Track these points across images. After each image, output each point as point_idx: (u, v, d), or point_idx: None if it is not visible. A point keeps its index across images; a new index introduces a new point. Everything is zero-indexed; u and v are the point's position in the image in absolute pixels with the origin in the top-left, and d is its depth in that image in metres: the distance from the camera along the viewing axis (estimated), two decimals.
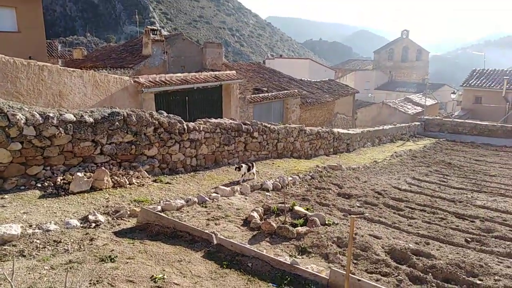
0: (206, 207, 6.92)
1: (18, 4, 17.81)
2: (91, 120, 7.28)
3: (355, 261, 5.34)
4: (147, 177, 7.87)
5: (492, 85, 32.38)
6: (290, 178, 9.52)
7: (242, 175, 8.68)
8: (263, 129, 11.30)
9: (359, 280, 4.31)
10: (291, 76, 27.44)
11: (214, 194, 7.49)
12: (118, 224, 5.68)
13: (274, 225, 6.06)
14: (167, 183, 7.92)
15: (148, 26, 26.35)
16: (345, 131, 16.57)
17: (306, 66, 44.54)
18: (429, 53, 65.59)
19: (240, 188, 8.14)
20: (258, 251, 5.04)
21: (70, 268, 4.13)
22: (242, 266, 4.74)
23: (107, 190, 6.87)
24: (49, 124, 6.62)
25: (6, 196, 5.93)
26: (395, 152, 16.18)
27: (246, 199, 7.78)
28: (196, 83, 14.49)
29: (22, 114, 6.36)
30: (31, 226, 5.11)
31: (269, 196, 8.19)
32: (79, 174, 6.68)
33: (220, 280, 4.40)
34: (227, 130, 10.13)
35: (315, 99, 24.00)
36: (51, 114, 6.72)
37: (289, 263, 4.74)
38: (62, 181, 6.62)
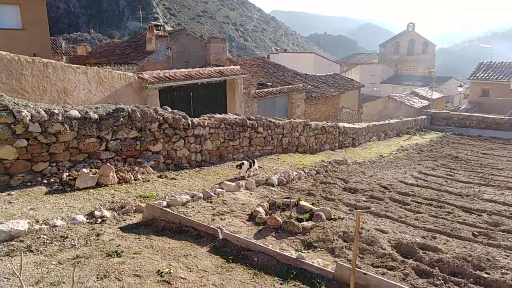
0: (211, 202, 6.93)
1: (22, 1, 17.83)
2: (96, 116, 7.30)
3: (361, 255, 5.33)
4: (152, 172, 7.89)
5: (499, 77, 32.06)
6: (295, 173, 9.50)
7: (246, 171, 8.60)
8: (268, 124, 11.27)
9: (365, 274, 4.30)
10: (295, 70, 27.32)
11: (219, 189, 7.50)
12: (124, 220, 5.71)
13: (280, 220, 6.05)
14: (172, 178, 7.93)
15: (152, 22, 26.35)
16: (350, 125, 16.49)
17: (311, 60, 44.31)
18: (436, 46, 64.97)
19: (245, 183, 8.14)
20: (264, 245, 5.04)
21: (77, 263, 4.16)
22: (248, 261, 4.74)
23: (113, 186, 6.90)
24: (54, 120, 6.64)
25: (13, 193, 5.98)
26: (401, 146, 16.09)
27: (251, 194, 7.78)
28: (200, 79, 14.46)
29: (27, 111, 6.39)
30: (38, 222, 5.15)
31: (275, 191, 8.18)
32: (84, 170, 6.71)
33: (226, 274, 4.41)
34: (232, 125, 10.11)
35: (320, 94, 23.89)
36: (56, 111, 6.74)
37: (295, 257, 4.73)
38: (68, 177, 6.66)
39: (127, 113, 7.79)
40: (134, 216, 5.88)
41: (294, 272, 4.52)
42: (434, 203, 8.29)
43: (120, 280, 3.89)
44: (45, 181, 6.49)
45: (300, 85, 22.37)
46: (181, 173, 8.43)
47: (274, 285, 4.29)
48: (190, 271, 4.35)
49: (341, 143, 15.25)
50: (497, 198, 8.92)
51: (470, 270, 5.07)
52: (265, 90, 19.90)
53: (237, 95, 16.69)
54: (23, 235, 4.76)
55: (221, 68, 16.50)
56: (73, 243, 4.73)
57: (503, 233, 6.63)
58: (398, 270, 4.95)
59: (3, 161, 6.19)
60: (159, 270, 4.19)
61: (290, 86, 21.67)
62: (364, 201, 8.13)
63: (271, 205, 7.01)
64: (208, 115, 9.96)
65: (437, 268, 5.06)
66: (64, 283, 3.73)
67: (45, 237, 4.80)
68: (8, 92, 7.96)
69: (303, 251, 5.38)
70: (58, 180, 6.55)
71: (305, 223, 6.08)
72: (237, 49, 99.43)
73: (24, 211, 5.39)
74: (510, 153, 15.78)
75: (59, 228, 5.07)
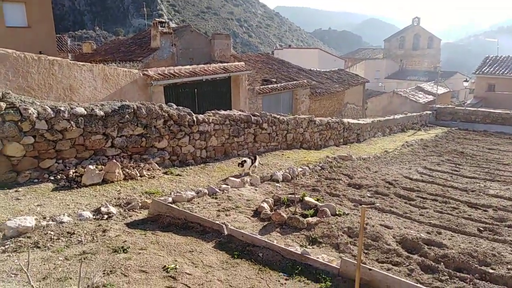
0: (216, 198, 6.96)
1: None
2: (102, 113, 7.34)
3: (366, 251, 5.33)
4: (158, 169, 7.93)
5: (505, 72, 31.75)
6: (300, 169, 9.51)
7: (249, 168, 8.53)
8: (272, 120, 11.27)
9: (370, 269, 4.31)
10: (300, 66, 27.25)
11: (224, 186, 7.53)
12: (130, 216, 5.76)
13: (285, 215, 6.07)
14: (178, 175, 7.97)
15: (156, 19, 26.35)
16: (355, 121, 16.44)
17: (315, 56, 44.18)
18: (441, 41, 64.50)
19: (250, 179, 8.16)
20: (269, 241, 5.06)
21: (84, 259, 4.20)
22: (253, 256, 4.77)
23: (119, 182, 6.95)
24: (60, 118, 6.69)
25: (20, 189, 6.04)
26: (406, 142, 16.02)
27: (256, 190, 7.80)
28: (204, 75, 14.48)
29: (34, 109, 6.44)
30: (45, 218, 5.20)
31: (279, 187, 8.20)
32: (90, 167, 6.76)
33: (231, 270, 4.44)
34: (236, 121, 10.13)
35: (325, 89, 23.83)
36: (62, 108, 6.79)
37: (299, 253, 4.75)
38: (74, 174, 6.71)
39: (132, 110, 7.82)
40: (140, 212, 5.93)
41: (299, 268, 4.54)
42: (439, 198, 8.26)
43: (126, 276, 3.93)
44: (52, 178, 6.55)
45: (305, 81, 22.32)
46: (186, 169, 8.47)
47: (279, 281, 4.31)
48: (196, 267, 4.38)
49: (345, 139, 15.22)
50: (503, 193, 8.87)
51: (476, 265, 5.06)
52: (269, 86, 19.88)
53: (242, 92, 16.70)
54: (31, 231, 4.81)
55: (225, 64, 16.50)
56: (79, 239, 4.78)
57: (509, 229, 6.60)
58: (403, 265, 4.95)
59: (11, 158, 6.26)
60: (165, 266, 4.23)
61: (295, 82, 21.63)
62: (369, 196, 8.13)
63: (276, 201, 7.03)
64: (212, 111, 9.98)
65: (442, 263, 5.06)
66: (71, 278, 3.77)
67: (52, 233, 4.85)
68: (14, 89, 8.02)
69: (308, 246, 5.40)
70: (65, 177, 6.61)
71: (310, 219, 6.09)
72: (241, 45, 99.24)
73: (32, 208, 5.44)
74: None
75: (66, 224, 5.13)
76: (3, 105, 6.17)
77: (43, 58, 9.17)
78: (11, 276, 3.74)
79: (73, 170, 6.79)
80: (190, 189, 7.10)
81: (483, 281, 4.72)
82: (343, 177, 9.43)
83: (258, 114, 11.10)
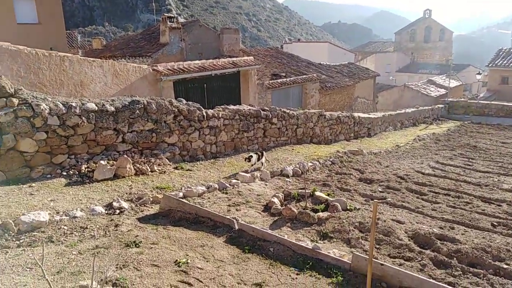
0: (226, 193, 6.97)
1: None
2: (113, 109, 7.39)
3: (377, 246, 5.30)
4: (168, 164, 7.96)
5: None
6: (310, 164, 9.47)
7: (253, 165, 8.37)
8: (282, 114, 11.23)
9: (382, 264, 4.28)
10: (309, 60, 27.06)
11: (234, 181, 7.53)
12: (142, 211, 5.80)
13: (295, 210, 6.06)
14: (188, 170, 8.00)
15: (165, 14, 26.39)
16: (366, 115, 16.31)
17: (325, 49, 43.85)
18: (453, 33, 63.52)
19: (260, 174, 8.15)
20: (280, 236, 5.06)
21: (97, 253, 4.24)
22: (263, 251, 4.77)
23: (130, 177, 7.00)
24: (72, 113, 6.75)
25: (33, 185, 6.12)
26: (418, 136, 15.85)
27: (266, 185, 7.79)
28: (214, 70, 14.47)
29: (46, 104, 6.50)
30: (58, 213, 5.26)
31: (289, 182, 8.18)
32: (102, 162, 6.82)
33: (242, 264, 4.45)
34: (246, 116, 10.11)
35: (335, 83, 23.65)
36: (73, 104, 6.84)
37: (311, 248, 4.74)
38: (86, 169, 6.78)
39: (142, 105, 7.86)
40: (151, 207, 5.97)
41: (310, 263, 4.53)
42: (452, 193, 8.17)
43: (138, 270, 3.96)
44: (65, 173, 6.62)
45: (314, 75, 22.18)
46: (197, 164, 8.49)
47: (290, 275, 4.31)
48: (207, 261, 4.40)
49: (356, 133, 15.11)
50: None
51: (490, 261, 4.99)
52: (279, 80, 19.80)
53: (251, 86, 16.66)
54: (44, 226, 4.87)
55: (234, 59, 16.47)
56: (92, 234, 4.83)
57: None
58: (416, 261, 4.91)
59: (24, 153, 6.34)
60: (177, 260, 4.25)
61: (304, 76, 21.50)
62: (380, 191, 8.07)
63: (286, 196, 7.02)
64: (222, 106, 9.98)
65: (455, 259, 5.00)
66: (84, 272, 3.82)
67: (65, 228, 4.91)
68: (26, 86, 8.11)
69: (319, 241, 5.38)
70: (77, 172, 6.67)
71: (320, 214, 6.07)
72: (250, 40, 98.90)
73: (45, 203, 5.51)
74: None
75: (79, 219, 5.18)
76: (16, 101, 6.25)
77: (54, 54, 9.24)
78: (26, 270, 3.80)
79: (85, 166, 6.86)
80: (201, 184, 7.12)
81: (497, 277, 4.66)
82: (354, 172, 9.37)
83: (268, 108, 11.07)
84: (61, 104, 6.69)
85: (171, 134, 8.39)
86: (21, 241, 4.50)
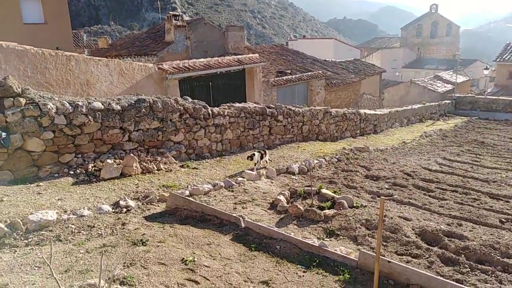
0: (233, 191, 6.97)
1: None
2: (119, 107, 7.41)
3: (384, 243, 5.28)
4: (175, 162, 7.99)
5: None
6: (316, 161, 9.44)
7: (256, 164, 8.26)
8: (287, 112, 11.21)
9: (389, 261, 4.27)
10: (315, 57, 26.96)
11: (240, 178, 7.54)
12: (148, 209, 5.82)
13: (301, 208, 6.05)
14: (194, 168, 8.02)
15: (170, 12, 26.41)
16: (372, 111, 16.23)
17: (330, 46, 43.63)
18: (460, 28, 62.83)
19: (266, 172, 8.14)
20: (286, 233, 5.06)
21: (105, 252, 4.27)
22: (270, 249, 4.77)
23: (136, 176, 7.03)
24: (78, 112, 6.79)
25: (41, 184, 6.17)
26: (425, 132, 15.74)
27: (272, 182, 7.79)
28: (219, 68, 14.46)
29: (52, 104, 6.54)
30: (66, 212, 5.30)
31: (295, 179, 8.17)
32: (109, 161, 6.86)
33: (249, 262, 4.45)
34: (252, 114, 10.10)
35: (340, 80, 23.54)
36: (80, 103, 6.88)
37: (317, 245, 4.73)
38: (93, 168, 6.82)
39: (148, 104, 7.88)
40: (158, 206, 5.99)
41: (317, 260, 4.52)
42: (460, 189, 8.11)
43: (146, 268, 3.98)
44: (72, 172, 6.67)
45: (320, 71, 22.09)
46: (203, 162, 8.51)
47: (297, 273, 4.31)
48: (214, 259, 4.41)
49: (362, 130, 15.04)
50: None
51: (498, 257, 4.96)
52: (284, 78, 19.75)
53: (256, 84, 16.63)
54: (52, 224, 4.91)
55: (239, 56, 16.45)
56: (100, 232, 4.86)
57: None
58: (423, 258, 4.89)
59: (31, 153, 6.39)
60: (183, 258, 4.27)
61: (310, 73, 21.43)
62: (387, 188, 8.03)
63: (292, 193, 7.01)
64: (227, 104, 9.97)
65: (463, 255, 4.97)
66: (92, 271, 3.84)
67: (73, 226, 4.94)
68: (33, 85, 8.17)
69: (326, 239, 5.37)
70: (84, 171, 6.72)
71: (327, 211, 6.06)
72: (255, 37, 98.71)
73: (53, 202, 5.55)
74: None
75: (86, 217, 5.22)
76: (23, 100, 6.29)
77: (60, 54, 9.29)
78: (34, 269, 3.83)
79: (92, 165, 6.90)
80: (207, 182, 7.14)
81: (506, 273, 4.62)
82: (360, 169, 9.33)
83: (273, 106, 11.05)
84: (67, 104, 6.72)
85: (177, 133, 8.41)
86: (29, 240, 4.54)
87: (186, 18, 33.53)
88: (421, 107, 20.15)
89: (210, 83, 14.51)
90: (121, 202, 5.76)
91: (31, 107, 6.31)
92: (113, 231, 4.91)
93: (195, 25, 24.71)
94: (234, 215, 5.52)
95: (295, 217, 5.95)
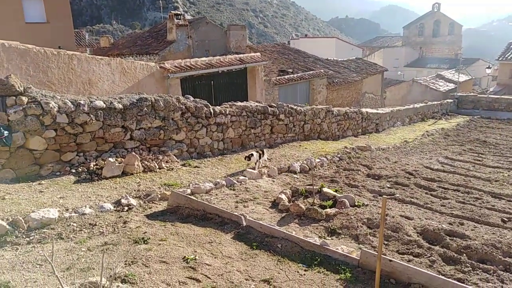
0: (234, 189, 6.98)
1: None
2: (120, 106, 7.42)
3: (386, 242, 5.27)
4: (176, 161, 7.99)
5: None
6: (318, 160, 9.44)
7: (255, 163, 8.12)
8: (289, 111, 11.20)
9: (390, 260, 4.26)
10: (316, 56, 26.94)
11: (241, 177, 7.54)
12: (150, 207, 5.83)
13: (303, 206, 6.04)
14: (196, 166, 8.02)
15: (172, 11, 26.43)
16: (373, 110, 16.19)
17: (332, 45, 43.59)
18: (462, 27, 62.63)
19: (268, 171, 8.14)
20: (288, 232, 5.06)
21: (106, 250, 4.28)
22: (271, 247, 4.77)
23: (138, 174, 7.04)
24: (80, 111, 6.80)
25: (43, 182, 6.19)
26: (427, 131, 15.71)
27: (273, 181, 7.78)
28: (221, 67, 14.47)
29: (54, 102, 6.55)
30: (67, 210, 5.32)
31: (297, 178, 8.16)
32: (110, 159, 6.87)
33: (250, 260, 4.46)
34: (253, 113, 10.10)
35: (342, 79, 23.51)
36: (82, 102, 6.89)
37: (319, 244, 4.73)
38: (95, 167, 6.83)
39: (150, 103, 7.88)
40: (160, 204, 6.00)
41: (318, 259, 4.52)
42: (462, 188, 8.09)
43: (147, 266, 3.98)
44: (73, 171, 6.68)
45: (322, 70, 22.07)
46: (204, 161, 8.51)
47: (298, 272, 4.31)
48: (215, 258, 4.41)
49: (364, 129, 15.02)
50: None
51: (500, 257, 4.94)
52: (286, 77, 19.74)
53: (258, 83, 16.63)
54: (54, 223, 4.92)
55: (241, 55, 16.44)
56: (101, 231, 4.87)
57: None
58: (425, 257, 4.88)
59: (33, 151, 6.40)
60: (185, 257, 4.27)
61: (311, 72, 21.41)
62: (389, 187, 8.01)
63: (294, 192, 7.00)
64: (229, 103, 9.97)
65: (465, 255, 4.96)
66: (93, 269, 3.85)
67: (74, 224, 4.95)
68: (35, 84, 8.18)
69: (327, 238, 5.37)
70: (86, 170, 6.73)
71: (328, 210, 6.06)
72: (257, 36, 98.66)
73: (54, 200, 5.57)
74: None
75: (88, 216, 5.23)
76: (25, 99, 6.30)
77: (62, 53, 9.31)
78: (36, 267, 3.85)
79: (94, 163, 6.91)
80: (208, 181, 7.14)
81: (507, 273, 4.61)
82: (362, 168, 9.32)
83: (275, 105, 11.04)
84: (69, 102, 6.74)
85: (178, 131, 8.41)
86: (31, 238, 4.55)
87: (188, 17, 33.54)
88: (423, 106, 20.10)
89: (212, 82, 14.51)
90: (123, 201, 5.77)
91: (33, 105, 6.32)
92: (114, 229, 4.92)
93: (197, 24, 24.71)
94: (236, 213, 5.52)
95: (296, 216, 5.95)
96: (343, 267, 4.38)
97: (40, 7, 18.33)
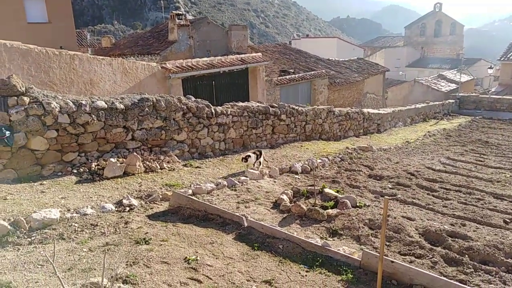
0: (235, 190, 6.97)
1: None
2: (122, 106, 7.42)
3: (387, 243, 5.26)
4: (178, 161, 7.99)
5: None
6: (319, 161, 9.43)
7: (254, 164, 8.04)
8: (290, 111, 11.19)
9: (392, 261, 4.25)
10: (318, 56, 26.92)
11: (243, 178, 7.53)
12: (151, 208, 5.83)
13: (304, 207, 6.03)
14: (197, 167, 8.02)
15: (173, 11, 26.43)
16: (375, 111, 16.17)
17: (333, 45, 43.57)
18: (464, 27, 62.52)
19: (269, 171, 8.13)
20: (289, 233, 5.05)
21: (107, 250, 4.27)
22: (273, 248, 4.77)
23: (139, 175, 7.04)
24: (82, 111, 6.80)
25: (44, 182, 6.19)
26: (428, 132, 15.68)
27: (275, 182, 7.77)
28: (222, 67, 14.47)
29: (56, 103, 6.56)
30: (69, 210, 5.32)
31: (298, 179, 8.15)
32: (112, 159, 6.87)
33: (251, 261, 4.45)
34: (255, 113, 10.09)
35: (344, 79, 23.49)
36: (83, 102, 6.89)
37: (320, 245, 4.72)
38: (96, 167, 6.83)
39: (151, 103, 7.89)
40: (161, 204, 5.99)
41: (320, 260, 4.51)
42: (463, 189, 8.07)
43: (148, 267, 3.98)
44: (75, 171, 6.69)
45: (323, 71, 22.06)
46: (206, 161, 8.51)
47: (299, 273, 4.30)
48: (216, 258, 4.41)
49: (365, 129, 15.00)
50: None
51: (502, 258, 4.93)
52: (287, 77, 19.73)
53: (259, 83, 16.63)
54: (55, 223, 4.93)
55: (242, 56, 16.44)
56: (103, 231, 4.87)
57: None
58: (426, 258, 4.86)
59: (35, 151, 6.41)
60: (186, 257, 4.27)
61: (313, 72, 21.40)
62: (390, 188, 8.00)
63: (295, 192, 6.99)
64: (231, 103, 9.97)
65: (467, 256, 4.94)
66: (95, 269, 3.85)
67: (76, 225, 4.95)
68: (37, 84, 8.19)
69: (328, 238, 5.36)
70: (87, 170, 6.73)
71: (330, 211, 6.04)
72: (258, 36, 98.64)
73: (56, 200, 5.57)
74: None
75: (89, 216, 5.23)
76: (27, 99, 6.31)
77: (64, 53, 9.32)
78: (37, 267, 3.84)
79: (95, 163, 6.91)
80: (210, 181, 7.13)
81: (510, 274, 4.59)
82: (363, 168, 9.31)
83: (276, 105, 11.03)
84: (71, 102, 6.74)
85: (180, 132, 8.41)
86: (32, 238, 4.55)
87: (189, 17, 33.54)
88: (425, 106, 20.07)
89: (213, 82, 14.51)
90: (124, 201, 5.77)
91: (35, 106, 6.32)
92: (116, 230, 4.92)
93: (198, 24, 24.72)
94: (237, 214, 5.51)
95: (298, 217, 5.94)
96: (344, 268, 4.37)
97: (42, 7, 18.36)
